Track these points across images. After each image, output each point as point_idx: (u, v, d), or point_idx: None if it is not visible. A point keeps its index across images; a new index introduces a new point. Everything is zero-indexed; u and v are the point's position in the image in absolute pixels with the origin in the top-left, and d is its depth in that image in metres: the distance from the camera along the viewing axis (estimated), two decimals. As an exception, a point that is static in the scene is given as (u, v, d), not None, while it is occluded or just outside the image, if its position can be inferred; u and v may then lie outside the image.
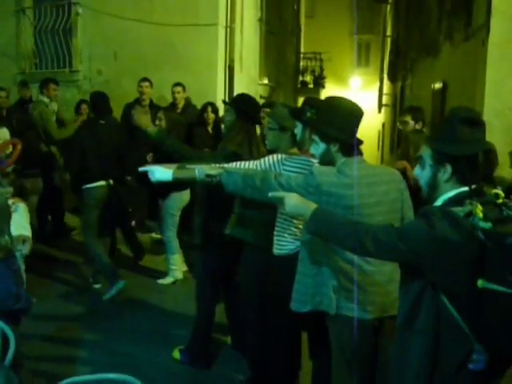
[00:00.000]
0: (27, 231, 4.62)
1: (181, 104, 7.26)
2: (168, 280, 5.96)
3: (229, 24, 8.59)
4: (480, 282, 1.89)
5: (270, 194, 2.54)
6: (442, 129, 2.15)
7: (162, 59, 8.28)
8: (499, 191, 2.03)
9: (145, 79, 7.24)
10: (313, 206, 2.32)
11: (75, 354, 4.35)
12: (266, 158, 3.10)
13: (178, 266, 5.97)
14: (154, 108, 7.18)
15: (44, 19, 9.14)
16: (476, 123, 2.08)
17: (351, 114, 2.65)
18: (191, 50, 8.20)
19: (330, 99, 2.77)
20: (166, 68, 8.08)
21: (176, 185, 5.43)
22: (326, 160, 2.69)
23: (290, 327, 3.22)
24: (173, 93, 7.23)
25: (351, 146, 2.64)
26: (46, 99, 7.03)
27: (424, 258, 1.97)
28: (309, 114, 2.87)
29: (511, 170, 4.78)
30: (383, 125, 22.29)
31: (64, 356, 4.33)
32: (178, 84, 7.24)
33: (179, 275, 5.97)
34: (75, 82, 9.00)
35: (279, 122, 3.36)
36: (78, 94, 8.66)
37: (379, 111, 22.13)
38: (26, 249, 4.52)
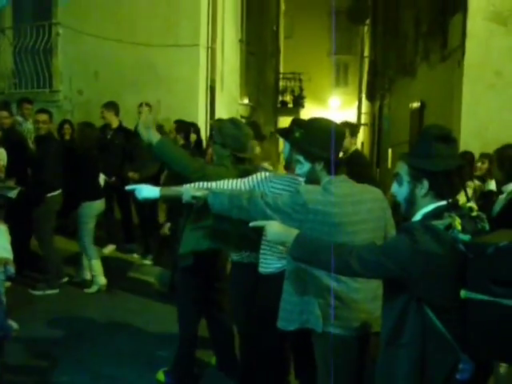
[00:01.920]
0: (8, 253, 4.57)
1: (114, 124, 7.36)
2: (93, 289, 6.22)
3: (210, 45, 8.70)
4: (463, 293, 1.94)
5: (250, 224, 2.54)
6: (417, 146, 2.20)
7: (143, 79, 8.32)
8: (473, 205, 2.10)
9: (104, 104, 7.33)
10: (294, 232, 2.33)
11: (59, 378, 4.27)
12: (253, 177, 3.13)
13: (99, 272, 6.24)
14: (122, 131, 7.27)
15: (24, 39, 9.13)
16: (450, 140, 2.15)
17: (334, 134, 2.70)
18: (172, 71, 8.27)
19: (313, 120, 2.83)
20: (147, 88, 8.12)
21: (87, 194, 6.16)
22: (311, 179, 2.73)
23: (278, 346, 3.22)
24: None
25: (335, 165, 2.68)
26: (19, 118, 7.04)
27: (409, 273, 2.01)
28: (297, 134, 2.91)
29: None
30: (362, 144, 22.52)
31: (47, 380, 4.25)
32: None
33: (102, 280, 6.24)
34: (55, 103, 8.98)
35: (220, 138, 3.56)
36: (59, 115, 8.62)
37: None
38: (10, 271, 4.52)
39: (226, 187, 3.08)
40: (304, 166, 2.73)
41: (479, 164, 5.74)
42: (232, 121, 3.76)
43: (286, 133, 3.19)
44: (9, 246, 4.62)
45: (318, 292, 2.65)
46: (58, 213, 6.36)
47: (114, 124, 7.36)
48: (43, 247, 6.22)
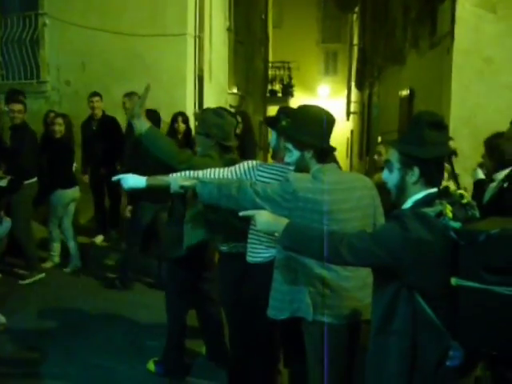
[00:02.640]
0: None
1: (99, 114, 7.40)
2: (48, 264, 6.74)
3: (197, 33, 8.60)
4: (453, 280, 1.93)
5: (240, 214, 2.53)
6: (409, 132, 2.18)
7: (130, 69, 8.23)
8: (463, 192, 2.10)
9: (94, 94, 7.35)
10: (284, 221, 2.32)
11: (49, 369, 4.25)
12: (240, 165, 3.09)
13: (56, 253, 6.83)
14: (107, 121, 7.29)
15: (11, 30, 9.00)
16: (441, 126, 2.14)
17: (323, 121, 2.68)
18: (160, 60, 8.18)
19: (303, 107, 2.79)
20: (134, 78, 8.00)
21: (61, 182, 6.46)
22: (301, 167, 2.71)
23: (267, 335, 3.21)
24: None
25: (325, 153, 2.67)
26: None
27: (400, 260, 2.00)
28: (284, 123, 2.88)
29: (473, 173, 4.83)
30: (352, 132, 22.56)
31: (37, 371, 4.22)
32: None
33: (57, 260, 6.85)
34: (43, 93, 8.88)
35: (204, 128, 3.52)
36: (46, 105, 8.56)
37: (347, 119, 22.40)
38: None
39: (213, 176, 3.05)
40: (293, 154, 2.71)
41: None
42: (214, 110, 3.72)
43: (272, 121, 3.16)
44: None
45: (308, 280, 2.64)
46: (33, 200, 6.44)
47: (99, 114, 7.37)
48: (20, 234, 6.25)
